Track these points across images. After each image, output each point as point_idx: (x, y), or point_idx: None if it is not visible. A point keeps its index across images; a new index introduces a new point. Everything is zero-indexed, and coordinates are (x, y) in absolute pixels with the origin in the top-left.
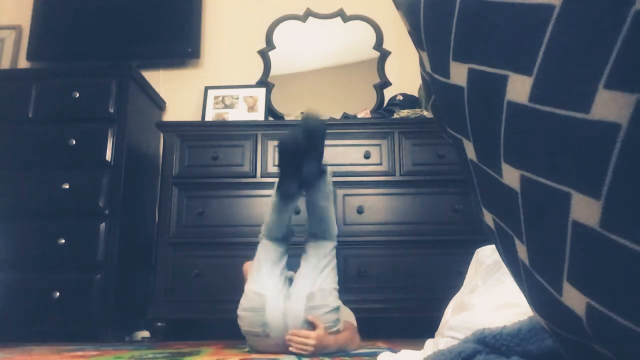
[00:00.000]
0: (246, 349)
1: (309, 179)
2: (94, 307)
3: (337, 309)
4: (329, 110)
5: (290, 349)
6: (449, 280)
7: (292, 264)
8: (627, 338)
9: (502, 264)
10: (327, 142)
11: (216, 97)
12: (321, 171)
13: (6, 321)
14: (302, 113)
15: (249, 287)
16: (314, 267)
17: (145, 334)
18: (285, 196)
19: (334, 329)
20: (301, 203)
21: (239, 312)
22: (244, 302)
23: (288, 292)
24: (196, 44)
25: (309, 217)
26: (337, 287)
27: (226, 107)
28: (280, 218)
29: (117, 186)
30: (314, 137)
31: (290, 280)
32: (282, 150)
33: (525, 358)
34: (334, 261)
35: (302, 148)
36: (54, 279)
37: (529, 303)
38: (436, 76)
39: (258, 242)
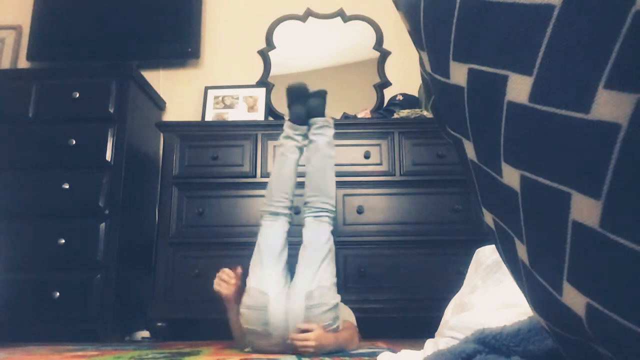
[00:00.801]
0: (246, 349)
1: (314, 110)
2: (94, 307)
3: (335, 306)
4: (329, 110)
5: (296, 349)
6: (449, 280)
7: (292, 264)
8: (627, 338)
9: (502, 264)
10: None
11: (216, 97)
12: (324, 107)
13: (6, 321)
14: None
15: (251, 284)
16: (313, 263)
17: (145, 334)
18: (295, 119)
19: (333, 327)
20: (300, 202)
21: (242, 309)
22: (247, 300)
23: (289, 290)
24: (196, 44)
25: (308, 182)
26: (335, 280)
27: (226, 107)
28: (284, 170)
29: (117, 186)
30: (316, 93)
31: (291, 275)
32: (290, 90)
33: (525, 358)
34: (333, 251)
35: (307, 91)
36: (54, 279)
37: (529, 303)
38: (436, 76)
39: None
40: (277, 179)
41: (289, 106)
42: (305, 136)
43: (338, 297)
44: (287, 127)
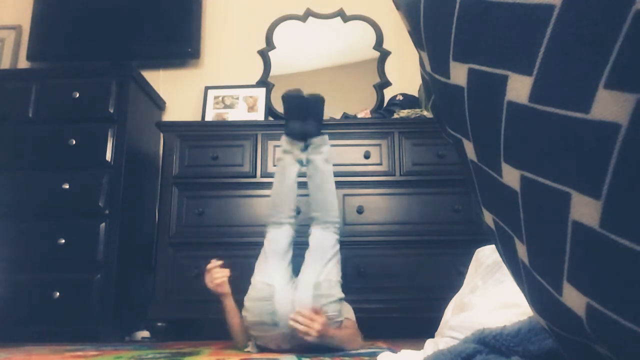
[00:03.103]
0: (246, 349)
1: (310, 131)
2: (94, 307)
3: (341, 300)
4: (329, 110)
5: (296, 325)
6: (449, 280)
7: (296, 265)
8: (627, 338)
9: (502, 264)
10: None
11: (216, 97)
12: (320, 127)
13: (6, 321)
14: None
15: (256, 278)
16: (320, 259)
17: (145, 334)
18: (292, 134)
19: (338, 320)
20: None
21: (247, 303)
22: (253, 292)
23: (295, 283)
24: (196, 44)
25: (311, 199)
26: (340, 280)
27: (226, 107)
28: (284, 184)
29: (117, 186)
30: (313, 102)
31: (296, 273)
32: (288, 98)
33: (525, 358)
34: (338, 255)
35: (304, 101)
36: (54, 279)
37: (529, 303)
38: (436, 76)
39: (257, 243)
40: (279, 193)
41: (286, 120)
42: (304, 148)
43: (343, 294)
44: (285, 142)
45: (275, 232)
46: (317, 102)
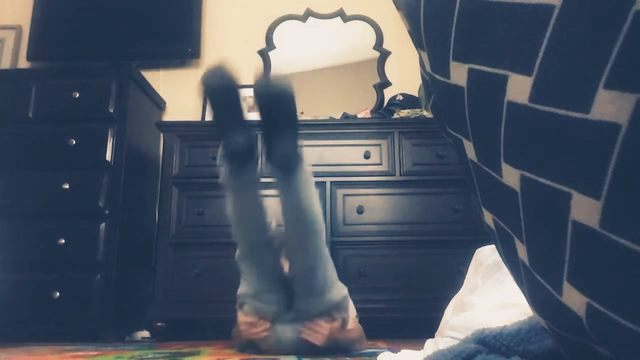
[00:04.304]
0: (246, 350)
1: (283, 160)
2: (94, 307)
3: (345, 297)
4: (329, 110)
5: (304, 334)
6: (449, 280)
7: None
8: (627, 338)
9: (502, 264)
10: (327, 142)
11: None
12: (297, 153)
13: (6, 321)
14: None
15: (251, 306)
16: (309, 291)
17: (145, 334)
18: (234, 157)
19: (343, 316)
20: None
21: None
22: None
23: (293, 313)
24: (196, 44)
25: (285, 226)
26: (335, 272)
27: None
28: (244, 216)
29: (117, 186)
30: (282, 103)
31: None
32: (210, 91)
33: (525, 358)
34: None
35: (262, 111)
36: (54, 279)
37: (529, 303)
38: (436, 76)
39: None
40: (238, 227)
41: (218, 123)
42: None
43: (345, 288)
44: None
45: (252, 270)
46: (286, 104)
